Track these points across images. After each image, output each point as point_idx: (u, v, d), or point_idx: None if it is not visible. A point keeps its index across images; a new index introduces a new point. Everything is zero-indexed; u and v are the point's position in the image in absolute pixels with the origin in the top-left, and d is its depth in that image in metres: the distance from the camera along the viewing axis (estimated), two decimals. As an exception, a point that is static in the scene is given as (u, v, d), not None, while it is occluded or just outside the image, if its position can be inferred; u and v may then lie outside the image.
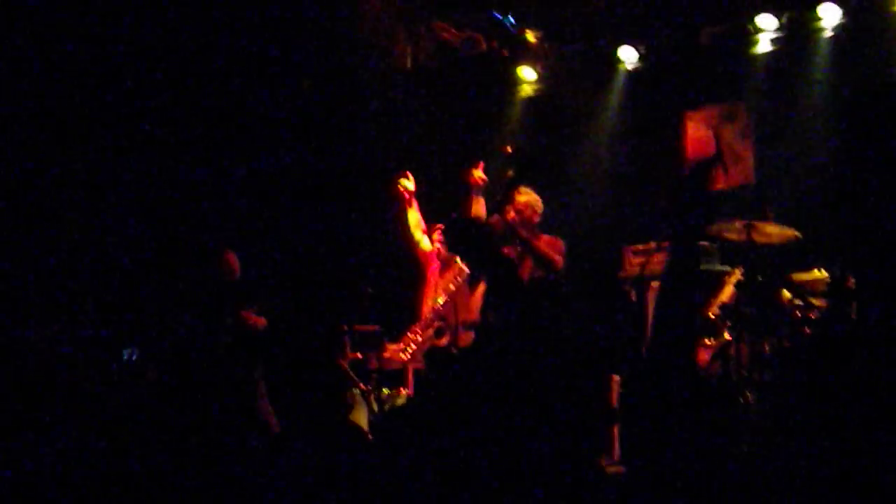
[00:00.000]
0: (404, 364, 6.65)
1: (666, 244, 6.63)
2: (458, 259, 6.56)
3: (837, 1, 7.38)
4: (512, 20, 8.21)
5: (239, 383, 6.13)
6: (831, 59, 7.46)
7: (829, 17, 7.43)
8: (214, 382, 6.04)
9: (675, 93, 8.11)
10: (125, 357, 6.55)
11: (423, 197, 7.04)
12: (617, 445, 6.74)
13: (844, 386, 4.96)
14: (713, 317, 6.04)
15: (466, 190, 6.70)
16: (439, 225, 6.81)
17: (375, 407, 6.56)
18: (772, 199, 6.46)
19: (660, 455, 5.08)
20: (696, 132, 8.07)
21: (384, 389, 6.65)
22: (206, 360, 6.07)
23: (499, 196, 6.07)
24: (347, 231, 8.54)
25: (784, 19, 7.64)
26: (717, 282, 6.25)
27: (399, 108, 8.74)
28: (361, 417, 6.57)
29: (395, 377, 6.75)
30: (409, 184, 6.91)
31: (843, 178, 7.12)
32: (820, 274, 6.01)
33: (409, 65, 8.53)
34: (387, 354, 6.65)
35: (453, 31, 8.25)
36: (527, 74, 8.74)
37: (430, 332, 6.55)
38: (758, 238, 5.96)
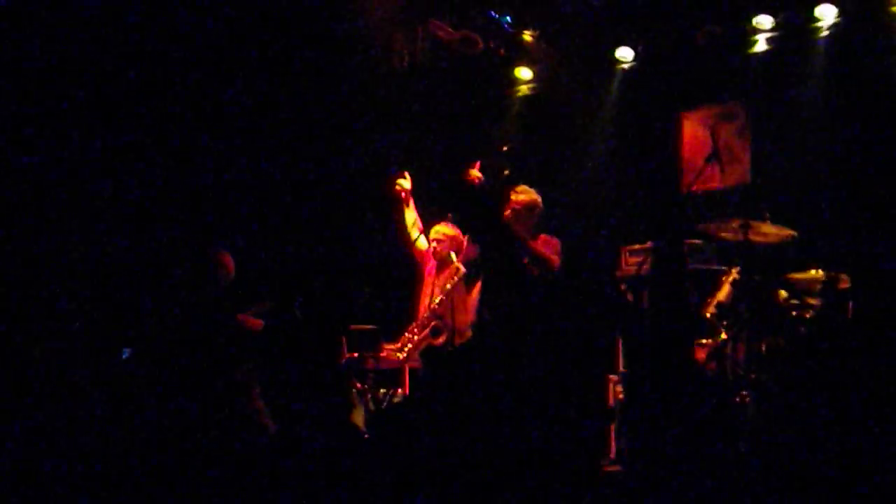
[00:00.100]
0: (401, 363, 6.65)
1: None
2: (454, 258, 6.56)
3: (834, 1, 7.38)
4: (509, 20, 8.21)
5: (234, 385, 6.12)
6: (828, 60, 7.47)
7: (826, 17, 7.43)
8: (210, 384, 6.04)
9: (672, 93, 8.12)
10: (123, 358, 6.53)
11: (420, 196, 7.04)
12: (613, 444, 6.75)
13: (841, 385, 4.97)
14: (709, 316, 6.04)
15: (463, 189, 6.70)
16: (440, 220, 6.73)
17: (372, 406, 6.55)
18: (768, 199, 6.46)
19: (656, 454, 5.09)
20: (694, 132, 8.10)
21: (381, 389, 6.65)
22: (201, 361, 6.06)
23: (495, 195, 6.08)
24: (344, 231, 8.53)
25: (781, 19, 7.64)
26: (714, 281, 6.25)
27: (396, 107, 8.73)
28: (358, 417, 6.57)
29: (392, 377, 6.75)
30: (406, 183, 6.91)
31: (839, 178, 7.14)
32: (816, 273, 6.02)
33: (405, 64, 8.53)
34: (383, 354, 6.64)
35: (450, 30, 8.24)
36: (523, 74, 8.74)
37: (427, 331, 6.54)
38: (754, 237, 5.96)
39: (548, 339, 6.05)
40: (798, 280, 6.06)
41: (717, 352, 5.89)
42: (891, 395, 4.78)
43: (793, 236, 6.02)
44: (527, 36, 8.35)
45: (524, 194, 6.28)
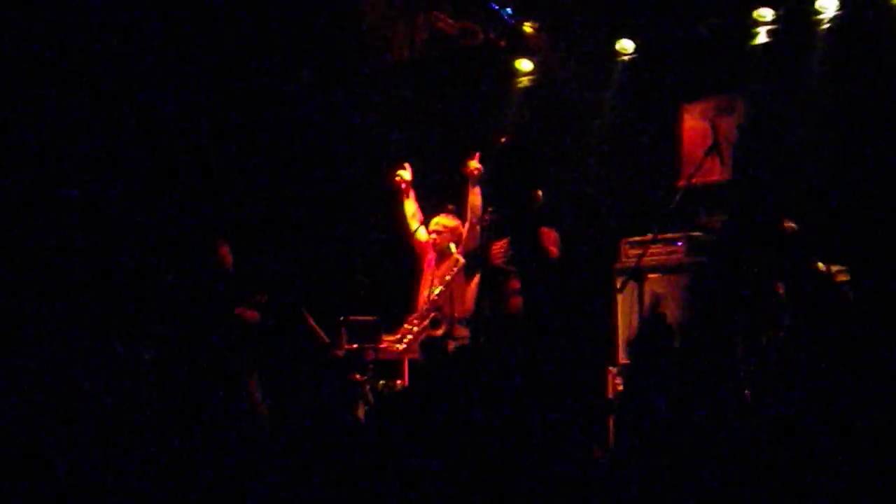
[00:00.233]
0: (400, 355, 6.65)
1: (662, 236, 6.64)
2: (454, 250, 6.56)
3: (835, -7, 7.38)
4: (509, 11, 8.19)
5: (232, 377, 6.12)
6: (829, 52, 7.45)
7: (828, 9, 7.42)
8: (207, 376, 6.03)
9: (672, 85, 8.11)
10: (119, 351, 6.53)
11: (420, 187, 7.04)
12: (612, 437, 6.75)
13: (842, 376, 4.97)
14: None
15: (463, 180, 6.70)
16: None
17: (371, 398, 6.55)
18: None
19: (655, 445, 5.09)
20: (694, 124, 8.09)
21: (380, 380, 6.64)
22: (198, 354, 6.06)
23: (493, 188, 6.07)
24: (343, 222, 8.53)
25: (782, 12, 7.62)
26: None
27: (396, 98, 8.72)
28: (358, 408, 6.57)
29: (392, 368, 6.75)
30: (406, 174, 6.91)
31: (840, 170, 7.13)
32: (818, 266, 6.01)
33: (406, 55, 8.52)
34: (383, 345, 6.65)
35: (450, 21, 8.23)
36: (524, 65, 8.73)
37: (426, 322, 6.55)
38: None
39: (546, 330, 6.05)
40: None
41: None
42: (892, 390, 4.79)
43: (793, 229, 6.01)
44: (527, 27, 8.34)
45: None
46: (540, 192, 6.31)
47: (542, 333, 5.94)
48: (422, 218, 6.90)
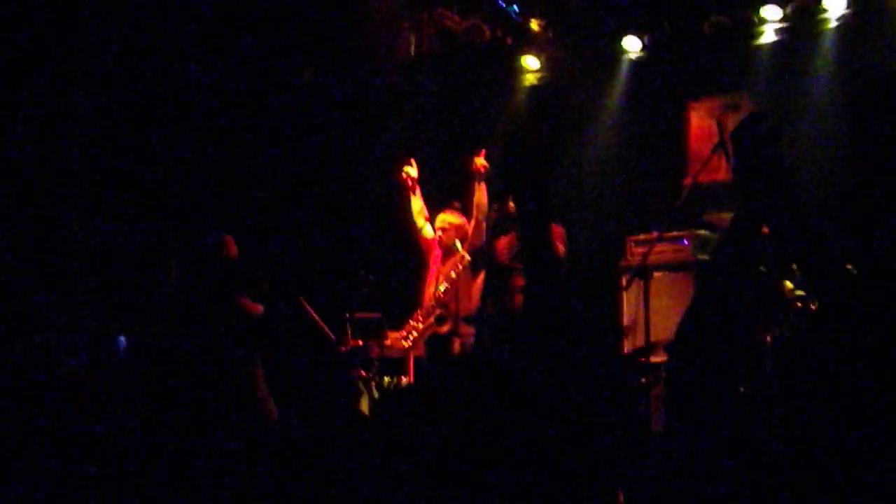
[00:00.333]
0: (405, 352, 6.65)
1: (668, 234, 6.63)
2: (459, 247, 6.56)
3: (842, -9, 7.36)
4: (516, 8, 8.19)
5: (236, 370, 6.11)
6: (836, 51, 7.44)
7: (834, 7, 7.41)
8: (211, 369, 6.03)
9: (678, 83, 8.10)
10: (121, 345, 6.53)
11: (426, 184, 7.03)
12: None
13: (845, 378, 4.95)
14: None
15: (469, 177, 6.70)
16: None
17: (376, 394, 6.55)
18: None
19: (656, 440, 5.08)
20: (700, 122, 8.08)
21: (385, 377, 6.64)
22: (202, 346, 6.05)
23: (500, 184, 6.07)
24: (349, 218, 8.53)
25: (789, 10, 7.61)
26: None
27: (402, 95, 8.72)
28: (363, 405, 6.57)
29: (397, 365, 6.75)
30: (412, 171, 6.91)
31: (846, 169, 7.11)
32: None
33: (412, 53, 8.52)
34: (388, 342, 6.64)
35: (457, 18, 8.22)
36: (530, 63, 8.72)
37: (432, 319, 6.55)
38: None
39: (551, 327, 6.04)
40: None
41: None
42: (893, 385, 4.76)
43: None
44: (534, 25, 8.33)
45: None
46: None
47: (547, 330, 5.93)
48: (427, 215, 6.90)
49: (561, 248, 6.19)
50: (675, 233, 6.84)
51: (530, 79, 8.81)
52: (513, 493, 2.07)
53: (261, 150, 8.19)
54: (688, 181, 7.15)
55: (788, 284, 6.00)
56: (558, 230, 6.27)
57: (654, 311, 6.16)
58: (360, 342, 6.63)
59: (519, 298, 6.17)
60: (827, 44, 7.47)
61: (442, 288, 6.51)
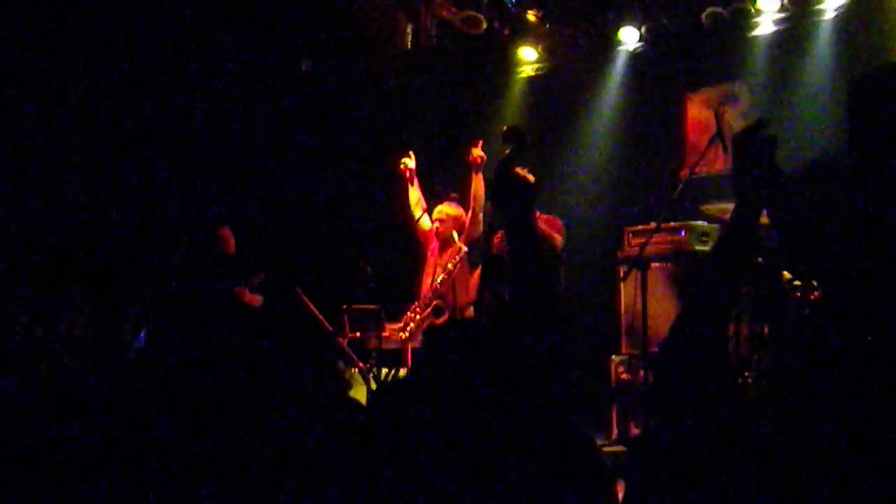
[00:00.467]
0: (403, 343, 6.65)
1: (666, 225, 6.63)
2: (456, 238, 6.55)
3: (839, -18, 7.36)
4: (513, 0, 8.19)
5: (234, 361, 6.11)
6: (833, 41, 7.43)
7: (832, -2, 7.42)
8: (209, 361, 6.03)
9: (675, 74, 8.10)
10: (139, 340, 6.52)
11: (424, 175, 7.03)
12: (615, 425, 6.76)
13: (845, 369, 4.96)
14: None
15: (466, 168, 6.70)
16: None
17: (374, 386, 6.55)
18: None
19: (656, 435, 5.08)
20: (697, 113, 8.08)
21: (383, 369, 6.64)
22: (200, 339, 6.06)
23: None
24: (347, 210, 8.53)
25: (786, 0, 7.60)
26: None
27: (399, 87, 8.71)
28: (360, 396, 6.57)
29: (394, 356, 6.75)
30: (410, 162, 6.90)
31: (843, 159, 7.11)
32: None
33: (409, 44, 8.51)
34: (385, 333, 6.64)
35: (454, 9, 8.21)
36: (527, 55, 8.71)
37: (429, 310, 6.55)
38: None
39: (548, 318, 6.05)
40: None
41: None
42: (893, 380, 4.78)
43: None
44: (531, 16, 8.33)
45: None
46: (524, 173, 6.30)
47: (544, 321, 5.93)
48: (425, 206, 6.89)
49: (559, 239, 6.19)
50: (672, 223, 6.84)
51: (527, 70, 8.81)
52: (510, 484, 2.07)
53: (257, 142, 8.18)
54: (685, 172, 7.15)
55: (787, 275, 6.01)
56: (555, 222, 6.27)
57: (651, 301, 6.17)
58: (358, 334, 6.63)
59: None
60: (824, 35, 7.46)
61: (439, 279, 6.51)
